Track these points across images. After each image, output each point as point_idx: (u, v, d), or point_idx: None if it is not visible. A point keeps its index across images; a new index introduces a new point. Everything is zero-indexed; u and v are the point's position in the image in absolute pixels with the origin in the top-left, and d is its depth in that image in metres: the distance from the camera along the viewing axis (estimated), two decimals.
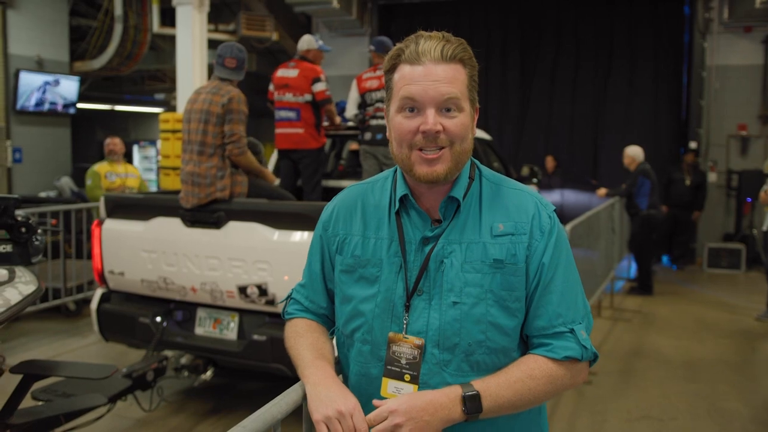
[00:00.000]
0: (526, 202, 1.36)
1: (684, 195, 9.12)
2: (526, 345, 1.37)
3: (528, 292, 1.33)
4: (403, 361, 1.32)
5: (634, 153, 7.73)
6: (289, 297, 1.57)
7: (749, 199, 9.35)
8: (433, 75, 1.27)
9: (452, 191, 1.34)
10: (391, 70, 1.34)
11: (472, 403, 1.22)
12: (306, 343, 1.42)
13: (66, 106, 10.04)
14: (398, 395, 1.29)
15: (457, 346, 1.29)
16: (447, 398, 1.22)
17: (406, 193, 1.37)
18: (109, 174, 6.73)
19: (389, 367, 1.34)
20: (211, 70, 4.67)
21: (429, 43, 1.28)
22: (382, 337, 1.35)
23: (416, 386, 1.31)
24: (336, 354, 1.47)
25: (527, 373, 1.29)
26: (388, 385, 1.34)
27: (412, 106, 1.29)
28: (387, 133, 1.38)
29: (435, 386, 1.30)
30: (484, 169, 1.44)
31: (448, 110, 1.28)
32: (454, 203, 1.35)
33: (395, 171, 1.45)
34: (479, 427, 1.30)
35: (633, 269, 8.10)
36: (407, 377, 1.32)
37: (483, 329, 1.29)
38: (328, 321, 1.52)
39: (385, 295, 1.35)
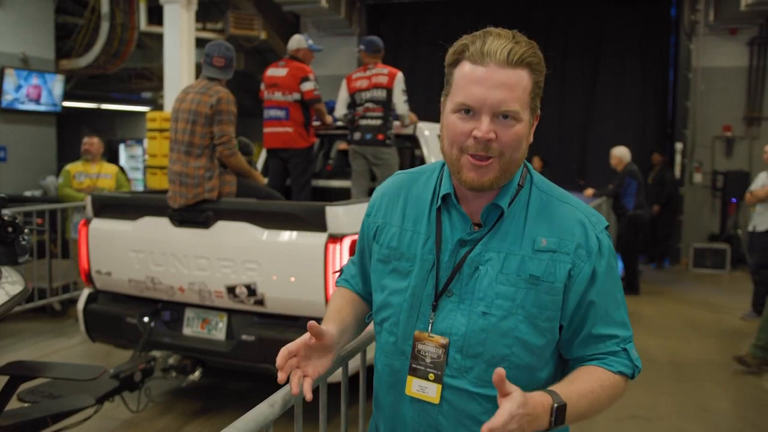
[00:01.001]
0: (574, 219, 1.31)
1: (649, 194, 9.18)
2: (552, 364, 1.34)
3: (572, 313, 1.29)
4: (428, 360, 1.30)
5: (620, 153, 7.78)
6: (341, 269, 1.62)
7: (734, 200, 9.46)
8: (494, 79, 1.21)
9: (497, 198, 1.30)
10: (453, 64, 1.28)
11: (559, 414, 1.17)
12: (331, 306, 1.50)
13: (51, 104, 9.95)
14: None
15: (480, 356, 1.27)
16: (542, 407, 1.16)
17: (449, 192, 1.33)
18: (78, 174, 6.36)
19: (414, 365, 1.32)
20: (198, 68, 4.64)
21: (496, 42, 1.22)
22: (407, 332, 1.34)
23: (440, 385, 1.29)
24: (363, 320, 1.53)
25: (599, 383, 1.26)
26: (413, 384, 1.32)
27: (469, 109, 1.24)
28: (439, 130, 1.34)
29: (455, 389, 1.29)
30: (537, 176, 1.39)
31: (505, 117, 1.23)
32: (497, 210, 1.30)
33: (443, 166, 1.40)
34: None
35: (620, 269, 8.16)
36: (431, 376, 1.30)
37: (509, 344, 1.26)
38: (363, 300, 1.54)
39: (413, 291, 1.33)
